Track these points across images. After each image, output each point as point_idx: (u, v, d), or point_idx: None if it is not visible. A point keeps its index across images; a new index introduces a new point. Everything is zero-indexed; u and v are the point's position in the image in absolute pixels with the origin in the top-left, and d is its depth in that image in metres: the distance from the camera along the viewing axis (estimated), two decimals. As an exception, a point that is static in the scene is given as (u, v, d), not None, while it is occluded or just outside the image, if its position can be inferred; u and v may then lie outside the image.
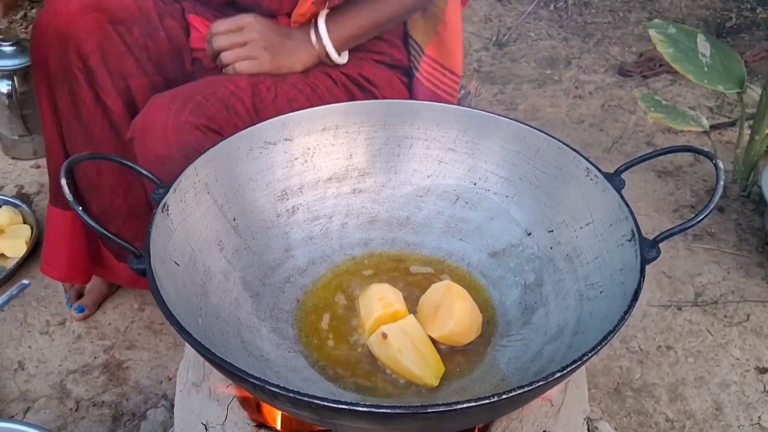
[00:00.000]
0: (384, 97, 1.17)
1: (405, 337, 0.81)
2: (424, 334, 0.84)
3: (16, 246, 1.52)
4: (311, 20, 1.12)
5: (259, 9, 1.12)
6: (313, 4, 1.08)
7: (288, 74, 1.10)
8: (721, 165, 0.79)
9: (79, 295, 1.42)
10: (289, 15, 1.13)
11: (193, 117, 0.98)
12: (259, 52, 1.08)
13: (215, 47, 1.08)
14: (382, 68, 1.20)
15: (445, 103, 1.26)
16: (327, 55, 1.13)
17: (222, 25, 1.08)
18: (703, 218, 0.76)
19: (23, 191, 1.75)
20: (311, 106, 0.99)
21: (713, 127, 1.91)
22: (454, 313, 0.83)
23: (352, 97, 1.13)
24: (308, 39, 1.12)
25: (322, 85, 1.11)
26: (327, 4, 1.10)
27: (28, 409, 1.25)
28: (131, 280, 1.33)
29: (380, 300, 0.86)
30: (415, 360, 0.80)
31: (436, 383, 0.80)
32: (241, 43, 1.07)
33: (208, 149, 0.90)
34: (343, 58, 1.15)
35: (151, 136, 0.98)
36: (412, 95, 1.26)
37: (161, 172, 0.87)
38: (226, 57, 1.08)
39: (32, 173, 1.81)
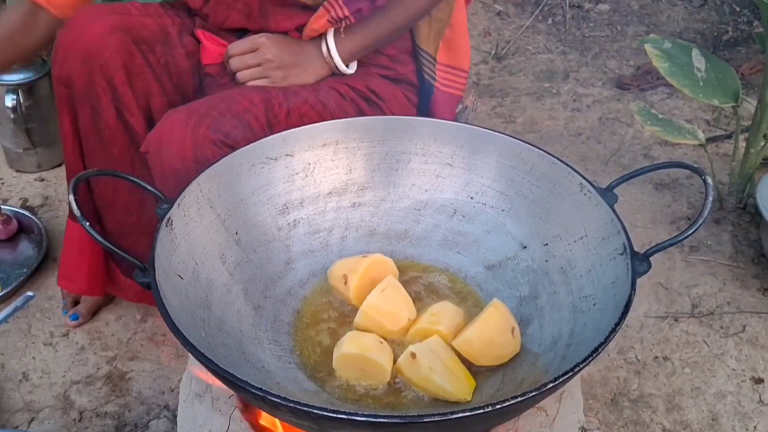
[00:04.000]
0: (390, 111, 1.20)
1: (433, 356, 0.82)
2: (451, 351, 0.84)
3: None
4: (322, 34, 1.15)
5: (267, 30, 1.15)
6: (328, 22, 1.12)
7: (298, 88, 1.14)
8: (710, 181, 0.81)
9: (75, 303, 1.44)
10: (298, 30, 1.16)
11: (210, 132, 1.00)
12: (273, 72, 1.13)
13: (231, 68, 1.14)
14: (387, 82, 1.23)
15: (455, 98, 1.30)
16: (336, 67, 1.16)
17: (237, 47, 1.13)
18: (692, 233, 0.78)
19: (27, 204, 1.77)
20: (322, 121, 1.03)
21: (709, 139, 1.93)
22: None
23: (359, 111, 1.16)
24: (319, 53, 1.16)
25: (332, 100, 1.14)
26: (343, 23, 1.13)
27: (32, 419, 1.27)
28: (137, 295, 1.35)
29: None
30: (447, 377, 0.81)
31: (470, 398, 0.81)
32: (255, 64, 1.12)
33: (211, 164, 0.92)
34: (351, 69, 1.19)
35: (168, 151, 1.00)
36: (429, 103, 1.29)
37: (176, 185, 0.90)
38: (241, 77, 1.13)
39: (36, 186, 1.83)
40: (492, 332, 0.84)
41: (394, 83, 1.25)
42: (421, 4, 1.18)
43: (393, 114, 1.20)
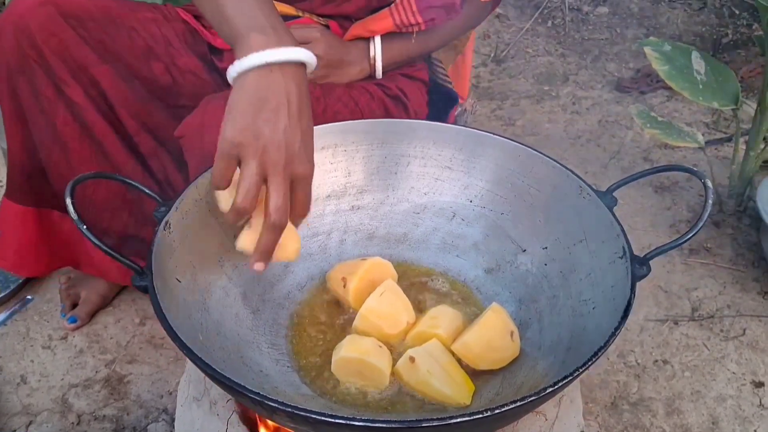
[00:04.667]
0: (413, 108, 1.21)
1: (432, 360, 0.82)
2: (449, 355, 0.84)
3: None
4: (367, 38, 1.16)
5: (314, 12, 1.15)
6: (395, 25, 1.12)
7: (333, 86, 1.14)
8: (710, 184, 0.81)
9: (74, 306, 1.44)
10: (349, 18, 1.16)
11: None
12: (317, 70, 1.11)
13: None
14: (408, 81, 1.24)
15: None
16: (374, 73, 1.18)
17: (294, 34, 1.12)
18: (692, 236, 0.78)
19: (26, 206, 1.77)
20: (353, 119, 1.04)
21: (709, 142, 1.93)
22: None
23: (386, 110, 1.17)
24: (362, 57, 1.16)
25: (362, 99, 1.14)
26: (413, 30, 1.12)
27: (30, 423, 1.26)
28: (120, 275, 1.34)
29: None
30: (446, 381, 0.80)
31: (469, 402, 0.81)
32: None
33: (210, 168, 0.92)
34: (381, 75, 1.20)
35: (210, 135, 1.00)
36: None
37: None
38: None
39: (35, 189, 1.83)
40: (491, 336, 0.84)
41: (411, 80, 1.26)
42: (460, 26, 1.21)
43: (416, 111, 1.21)
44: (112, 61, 1.13)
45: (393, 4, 1.11)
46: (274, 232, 0.77)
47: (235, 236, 0.82)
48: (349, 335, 0.86)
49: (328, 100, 1.11)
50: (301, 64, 0.79)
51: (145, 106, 1.16)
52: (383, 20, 1.12)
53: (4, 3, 1.72)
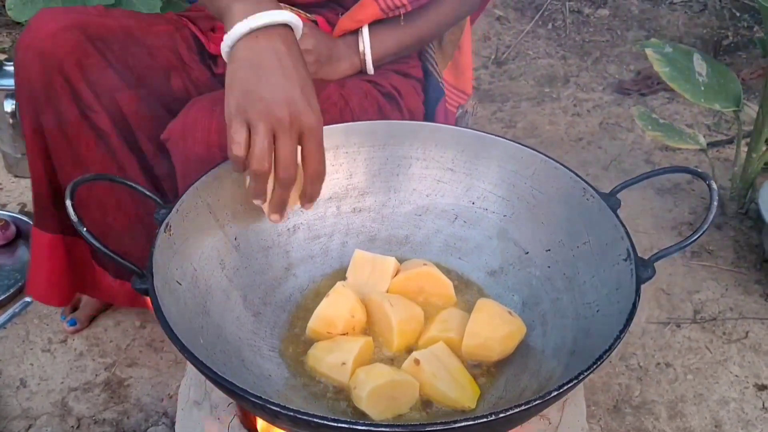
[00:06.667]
0: (407, 106, 1.19)
1: (438, 363, 0.81)
2: (455, 358, 0.83)
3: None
4: (355, 32, 1.14)
5: (296, 4, 1.13)
6: (380, 11, 1.09)
7: (322, 84, 1.12)
8: (714, 186, 0.80)
9: (74, 309, 1.43)
10: (335, 10, 1.14)
11: None
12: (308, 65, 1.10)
13: None
14: (402, 78, 1.23)
15: (452, 114, 1.30)
16: (365, 67, 1.15)
17: None
18: (697, 238, 0.77)
19: (26, 209, 1.77)
20: (342, 118, 1.03)
21: (711, 144, 1.93)
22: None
23: (378, 109, 1.15)
24: (351, 52, 1.14)
25: (354, 97, 1.13)
26: (400, 12, 1.10)
27: (29, 426, 1.26)
28: (128, 299, 1.33)
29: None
30: (450, 384, 0.80)
31: (473, 405, 0.80)
32: None
33: (210, 170, 0.91)
34: (372, 70, 1.17)
35: (192, 137, 0.99)
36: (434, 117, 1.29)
37: (198, 172, 0.89)
38: None
39: (35, 191, 1.83)
40: (491, 317, 0.84)
41: (405, 78, 1.25)
42: (451, 13, 1.18)
43: (410, 110, 1.19)
44: (135, 83, 1.13)
45: None
46: (283, 187, 0.81)
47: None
48: (358, 369, 0.81)
49: (318, 98, 1.09)
50: (286, 26, 0.82)
51: (162, 126, 1.16)
52: (369, 6, 1.10)
53: (4, 5, 1.72)
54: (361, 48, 1.13)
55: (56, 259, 1.26)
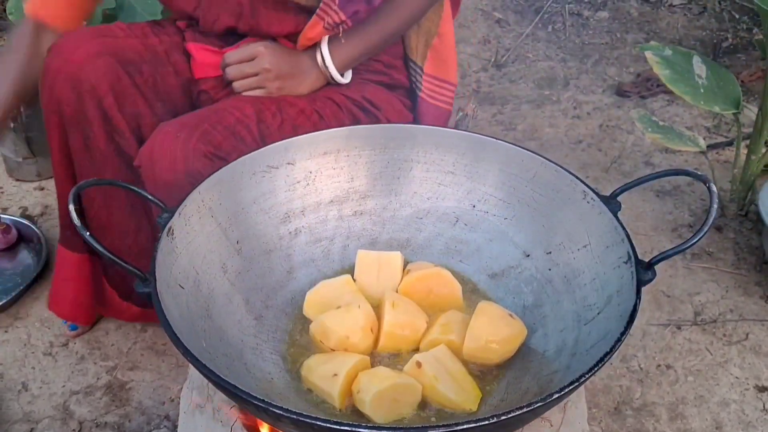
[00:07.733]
0: (387, 119, 1.19)
1: (439, 365, 0.81)
2: (457, 361, 0.84)
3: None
4: (316, 43, 1.15)
5: (258, 33, 1.14)
6: (324, 29, 1.11)
7: (294, 99, 1.13)
8: (714, 189, 0.80)
9: None
10: (288, 38, 1.15)
11: (201, 145, 0.99)
12: (270, 83, 1.12)
13: (228, 77, 1.13)
14: (383, 90, 1.23)
15: (444, 112, 1.29)
16: (331, 77, 1.16)
17: (234, 55, 1.12)
18: (697, 241, 0.77)
19: (27, 213, 1.77)
20: (316, 131, 1.02)
21: (710, 146, 1.93)
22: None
23: (356, 121, 1.15)
24: (314, 64, 1.15)
25: (328, 110, 1.13)
26: (341, 28, 1.12)
27: (31, 430, 1.26)
28: (135, 317, 1.34)
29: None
30: (452, 386, 0.80)
31: (475, 408, 0.80)
32: (253, 73, 1.11)
33: (213, 174, 0.92)
34: (346, 78, 1.18)
35: (159, 164, 1.00)
36: (416, 114, 1.28)
37: (168, 197, 0.89)
38: (238, 86, 1.13)
39: (36, 195, 1.83)
40: (491, 319, 0.85)
41: (390, 89, 1.24)
42: (413, 9, 1.17)
43: (390, 122, 1.19)
44: (161, 107, 1.14)
45: (319, 8, 1.10)
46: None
47: None
48: (359, 373, 0.82)
49: (287, 114, 1.10)
50: None
51: None
52: (315, 26, 1.11)
53: (5, 9, 1.73)
54: (319, 60, 1.14)
55: (82, 279, 1.28)
